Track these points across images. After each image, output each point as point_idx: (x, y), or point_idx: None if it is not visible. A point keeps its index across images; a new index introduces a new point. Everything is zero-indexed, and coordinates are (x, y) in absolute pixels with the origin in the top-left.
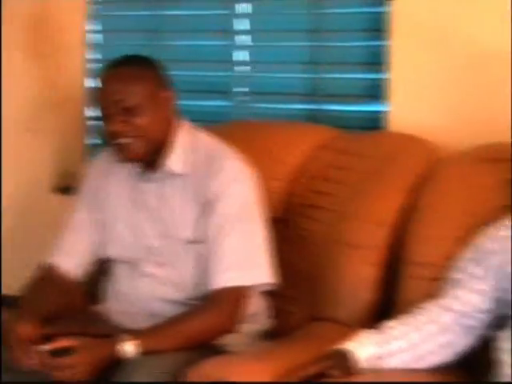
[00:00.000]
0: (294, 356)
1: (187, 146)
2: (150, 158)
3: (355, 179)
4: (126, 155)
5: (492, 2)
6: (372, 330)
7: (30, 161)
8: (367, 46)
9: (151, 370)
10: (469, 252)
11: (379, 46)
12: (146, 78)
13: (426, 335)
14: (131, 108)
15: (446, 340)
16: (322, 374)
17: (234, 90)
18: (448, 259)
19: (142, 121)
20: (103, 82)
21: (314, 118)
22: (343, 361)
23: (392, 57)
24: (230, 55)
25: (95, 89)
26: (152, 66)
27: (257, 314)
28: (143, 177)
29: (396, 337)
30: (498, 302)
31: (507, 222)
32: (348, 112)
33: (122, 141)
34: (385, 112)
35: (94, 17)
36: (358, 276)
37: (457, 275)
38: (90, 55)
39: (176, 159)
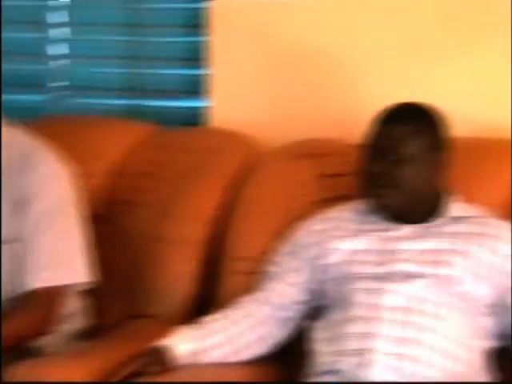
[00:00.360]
0: (112, 355)
1: (3, 143)
2: None
3: (175, 175)
4: None
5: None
6: (191, 326)
7: None
8: (187, 42)
9: None
10: (285, 246)
11: (199, 41)
12: None
13: (244, 328)
14: None
15: (263, 332)
16: (139, 373)
17: (51, 84)
18: (266, 253)
19: None
20: None
21: (133, 113)
22: (161, 357)
23: (212, 52)
24: (44, 48)
25: None
26: None
27: (74, 314)
28: None
29: (215, 331)
30: (313, 293)
31: (322, 216)
32: (168, 108)
33: None
34: (206, 108)
35: None
36: (177, 272)
37: (273, 268)
38: None
39: None
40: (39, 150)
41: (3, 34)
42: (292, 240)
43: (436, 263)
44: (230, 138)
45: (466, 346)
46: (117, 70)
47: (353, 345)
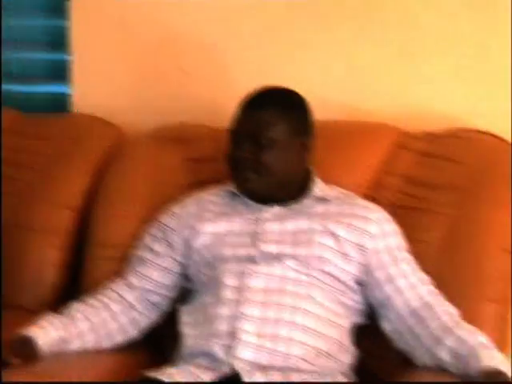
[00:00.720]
0: None
1: None
2: None
3: (39, 162)
4: None
5: None
6: (56, 314)
7: None
8: (48, 26)
9: None
10: (152, 230)
11: (61, 26)
12: None
13: (110, 315)
14: None
15: (130, 318)
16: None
17: None
18: (133, 239)
19: None
20: None
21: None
22: (24, 348)
23: (73, 38)
24: None
25: None
26: None
27: None
28: None
29: (80, 319)
30: (182, 277)
31: (188, 199)
32: (31, 94)
33: None
34: (69, 94)
35: None
36: (43, 260)
37: (140, 253)
38: None
39: None
40: None
41: None
42: (158, 224)
43: (296, 244)
44: (95, 125)
45: (330, 323)
46: None
47: (222, 327)
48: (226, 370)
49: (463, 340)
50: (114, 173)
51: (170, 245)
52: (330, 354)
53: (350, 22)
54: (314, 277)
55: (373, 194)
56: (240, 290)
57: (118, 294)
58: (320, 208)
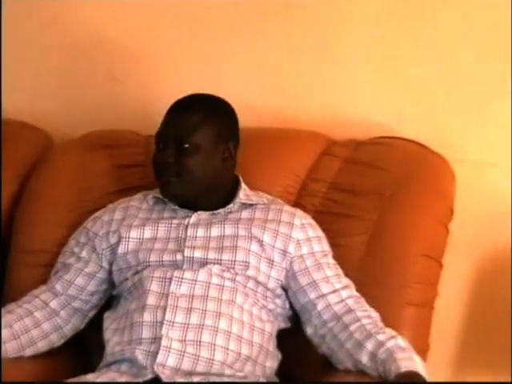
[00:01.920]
0: None
1: None
2: None
3: None
4: None
5: None
6: None
7: None
8: None
9: None
10: (77, 236)
11: None
12: None
13: (33, 322)
14: None
15: (54, 325)
16: None
17: None
18: (60, 245)
19: None
20: None
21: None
22: None
23: (1, 39)
24: None
25: None
26: None
27: None
28: None
29: (2, 326)
30: (106, 283)
31: (114, 206)
32: None
33: None
34: None
35: None
36: None
37: (66, 259)
38: None
39: None
40: None
41: None
42: (84, 231)
43: (220, 249)
44: (22, 129)
45: (253, 328)
46: None
47: (146, 334)
48: (148, 376)
49: (382, 344)
50: (38, 178)
51: (94, 250)
52: (253, 359)
53: (278, 30)
54: (238, 282)
55: (299, 200)
56: (164, 296)
57: (42, 300)
58: (245, 214)
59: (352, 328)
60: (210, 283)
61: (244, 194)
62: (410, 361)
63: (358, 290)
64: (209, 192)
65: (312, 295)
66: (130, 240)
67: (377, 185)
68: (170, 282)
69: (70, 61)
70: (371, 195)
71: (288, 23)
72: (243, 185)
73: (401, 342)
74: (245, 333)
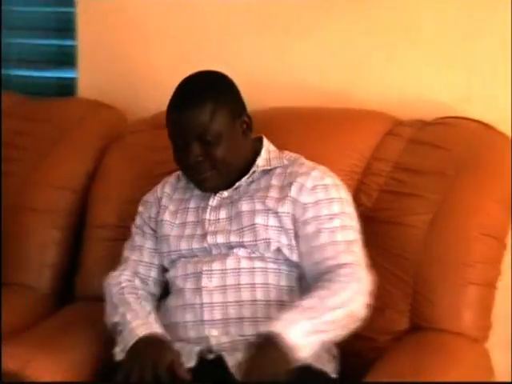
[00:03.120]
0: None
1: None
2: None
3: (41, 145)
4: None
5: None
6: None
7: None
8: (55, 12)
9: None
10: (136, 221)
11: (68, 12)
12: None
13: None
14: None
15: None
16: None
17: None
18: (130, 220)
19: None
20: None
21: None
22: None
23: (79, 24)
24: None
25: None
26: None
27: None
28: None
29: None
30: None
31: (159, 186)
32: (37, 78)
33: None
34: (74, 79)
35: None
36: (45, 239)
37: (132, 242)
38: None
39: None
40: None
41: None
42: (138, 215)
43: (241, 230)
44: (98, 108)
45: (287, 293)
46: None
47: (192, 333)
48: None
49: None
50: (111, 156)
51: (146, 235)
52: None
53: (344, 9)
54: (267, 259)
55: (363, 179)
56: (198, 292)
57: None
58: (264, 182)
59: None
60: (239, 269)
61: (264, 158)
62: (287, 322)
63: (420, 269)
64: (236, 171)
65: (306, 262)
66: (164, 223)
67: (441, 165)
68: (201, 277)
69: (143, 43)
70: (435, 175)
71: (355, 6)
72: (265, 147)
73: (306, 301)
74: (285, 299)
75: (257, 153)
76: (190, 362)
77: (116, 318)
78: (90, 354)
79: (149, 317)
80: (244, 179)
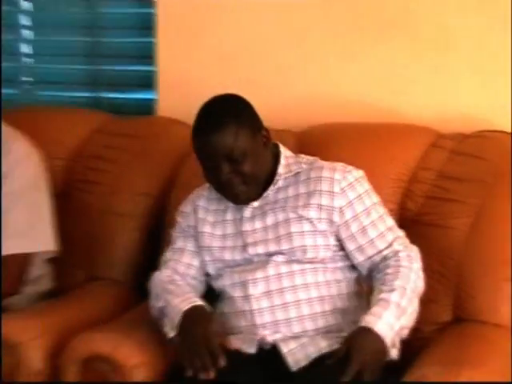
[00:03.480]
0: (68, 312)
1: None
2: None
3: (126, 157)
4: None
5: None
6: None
7: None
8: (138, 42)
9: None
10: (176, 230)
11: (149, 42)
12: None
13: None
14: None
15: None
16: None
17: (21, 79)
18: None
19: None
20: None
21: (93, 104)
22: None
23: (159, 52)
24: (17, 47)
25: None
26: None
27: (39, 277)
28: None
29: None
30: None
31: (195, 194)
32: (123, 99)
33: None
34: (154, 100)
35: None
36: (127, 240)
37: (175, 245)
38: None
39: None
40: (12, 137)
41: None
42: (177, 225)
43: (278, 239)
44: (174, 126)
45: (326, 288)
46: (77, 67)
47: (251, 334)
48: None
49: (379, 292)
50: (184, 168)
51: (187, 241)
52: (349, 322)
53: (389, 33)
54: (305, 261)
55: (410, 187)
56: (246, 299)
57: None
58: (291, 190)
59: (378, 276)
60: (280, 274)
61: (284, 165)
62: (374, 316)
63: (461, 267)
64: (262, 182)
65: (360, 258)
66: (204, 234)
67: (480, 173)
68: (247, 285)
69: (217, 67)
70: (475, 182)
71: (400, 28)
72: (283, 154)
73: (395, 296)
74: (327, 306)
75: (276, 160)
76: (251, 349)
77: (160, 303)
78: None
79: (188, 294)
80: (270, 189)
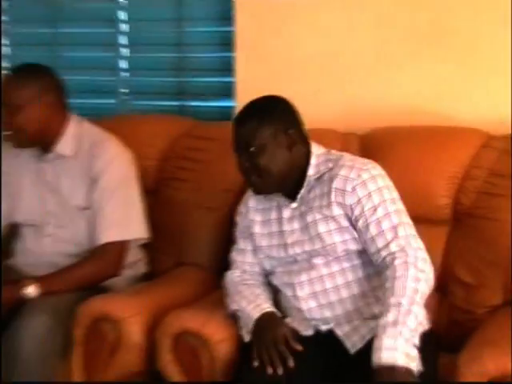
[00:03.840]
0: (161, 293)
1: (74, 134)
2: (44, 145)
3: (209, 157)
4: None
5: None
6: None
7: None
8: (219, 57)
9: (49, 307)
10: (236, 230)
11: (228, 56)
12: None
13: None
14: None
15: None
16: None
17: (118, 90)
18: None
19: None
20: None
21: (180, 112)
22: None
23: (237, 64)
24: (116, 63)
25: None
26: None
27: (135, 262)
28: (41, 158)
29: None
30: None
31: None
32: (205, 107)
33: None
34: (233, 107)
35: None
36: (212, 230)
37: (240, 246)
38: None
39: (65, 145)
40: (104, 138)
41: (87, 54)
42: (237, 226)
43: (311, 240)
44: None
45: (367, 282)
46: (166, 79)
47: (309, 324)
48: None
49: (381, 314)
50: None
51: (246, 242)
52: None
53: (434, 42)
54: (342, 259)
55: (463, 183)
56: (296, 299)
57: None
58: (318, 190)
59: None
60: (322, 276)
61: (314, 165)
62: (391, 351)
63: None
64: (287, 180)
65: (368, 252)
66: (256, 235)
67: None
68: (295, 287)
69: (291, 75)
70: None
71: (444, 38)
72: (313, 154)
73: (391, 315)
74: (370, 298)
75: (308, 161)
76: (308, 331)
77: (234, 306)
78: None
79: (258, 299)
80: (303, 190)
